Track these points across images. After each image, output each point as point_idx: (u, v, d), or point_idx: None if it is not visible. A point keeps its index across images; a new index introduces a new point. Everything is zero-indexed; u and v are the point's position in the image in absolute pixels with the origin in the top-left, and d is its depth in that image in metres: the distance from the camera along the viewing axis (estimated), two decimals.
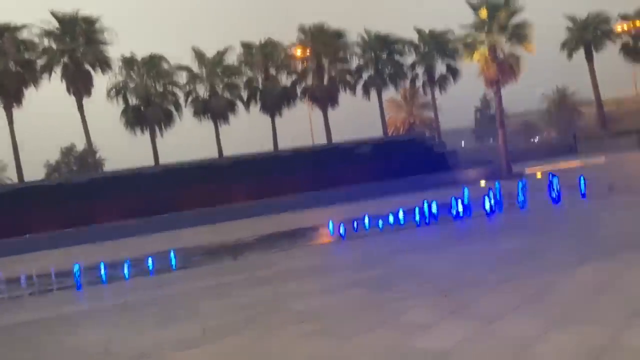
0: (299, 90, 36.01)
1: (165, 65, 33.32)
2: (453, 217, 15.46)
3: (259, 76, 35.22)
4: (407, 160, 29.46)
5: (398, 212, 16.13)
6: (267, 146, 35.21)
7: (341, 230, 14.89)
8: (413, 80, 39.02)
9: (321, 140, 36.25)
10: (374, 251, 11.78)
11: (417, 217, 15.69)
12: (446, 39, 37.84)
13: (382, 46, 36.87)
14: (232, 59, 34.68)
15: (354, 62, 36.88)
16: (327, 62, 35.71)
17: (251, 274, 10.63)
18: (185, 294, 9.71)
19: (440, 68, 38.89)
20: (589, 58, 42.65)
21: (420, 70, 39.10)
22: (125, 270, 12.91)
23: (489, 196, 15.20)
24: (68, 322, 8.78)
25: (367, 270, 9.34)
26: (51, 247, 21.96)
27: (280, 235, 17.28)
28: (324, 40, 34.82)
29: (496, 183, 17.82)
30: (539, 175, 26.26)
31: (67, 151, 50.55)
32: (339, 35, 35.32)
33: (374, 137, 34.17)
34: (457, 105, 52.09)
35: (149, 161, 32.78)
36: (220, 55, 34.25)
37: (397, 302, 6.81)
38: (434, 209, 16.06)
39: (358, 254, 11.78)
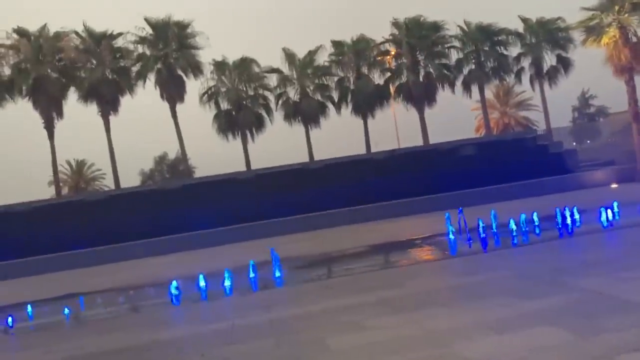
0: (392, 89, 33.86)
1: (255, 68, 32.43)
2: (603, 226, 12.80)
3: (350, 75, 33.48)
4: (519, 162, 26.38)
5: (533, 219, 13.68)
6: (358, 149, 33.44)
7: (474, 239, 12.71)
8: (519, 74, 35.56)
9: (411, 143, 33.87)
10: (532, 267, 9.47)
11: (560, 225, 13.17)
12: (556, 27, 34.33)
13: (483, 37, 33.86)
14: (322, 59, 33.23)
15: (453, 57, 34.09)
16: (423, 57, 33.30)
17: (377, 295, 8.71)
18: (301, 319, 7.95)
19: (549, 60, 35.26)
20: None
21: (526, 62, 35.63)
22: (226, 284, 11.44)
23: None
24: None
25: (539, 295, 7.13)
26: (142, 255, 21.35)
27: (391, 245, 15.27)
28: (419, 34, 32.48)
29: None
30: None
31: (160, 159, 51.59)
32: (435, 27, 32.80)
33: (477, 137, 31.33)
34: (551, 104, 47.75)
35: (241, 167, 31.97)
36: (311, 55, 32.87)
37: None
38: (577, 216, 13.48)
39: (510, 270, 9.42)
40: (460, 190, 24.39)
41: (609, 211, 13.25)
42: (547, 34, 34.41)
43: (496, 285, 8.29)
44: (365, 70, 33.50)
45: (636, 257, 8.84)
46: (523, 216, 13.34)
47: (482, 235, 12.81)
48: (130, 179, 42.76)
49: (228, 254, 17.94)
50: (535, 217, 13.84)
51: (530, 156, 27.19)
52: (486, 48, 34.24)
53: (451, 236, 13.89)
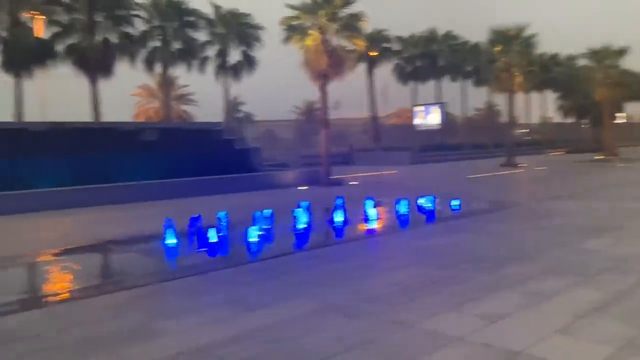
0: (61, 49, 27.39)
1: None
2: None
3: (3, 20, 25.55)
4: (205, 154, 24.25)
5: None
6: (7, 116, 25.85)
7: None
8: (204, 62, 33.67)
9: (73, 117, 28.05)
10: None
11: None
12: (246, 22, 33.87)
13: (173, 14, 30.72)
14: None
15: (137, 27, 29.75)
16: (103, 18, 27.95)
17: None
18: None
19: (235, 54, 34.57)
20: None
21: (212, 51, 34.09)
22: None
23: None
24: None
25: None
26: None
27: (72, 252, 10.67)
28: None
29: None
30: (354, 182, 24.21)
31: None
32: None
33: (160, 122, 27.75)
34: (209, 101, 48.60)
35: None
36: None
37: None
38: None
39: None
40: (142, 181, 20.64)
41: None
42: (237, 28, 33.62)
43: None
44: (26, 17, 26.08)
45: None
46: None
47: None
48: None
49: None
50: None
51: (217, 149, 25.34)
52: (175, 26, 31.18)
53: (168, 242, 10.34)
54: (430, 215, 13.28)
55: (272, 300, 6.43)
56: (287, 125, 58.05)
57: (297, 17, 22.50)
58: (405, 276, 7.33)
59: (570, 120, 59.79)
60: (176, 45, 31.52)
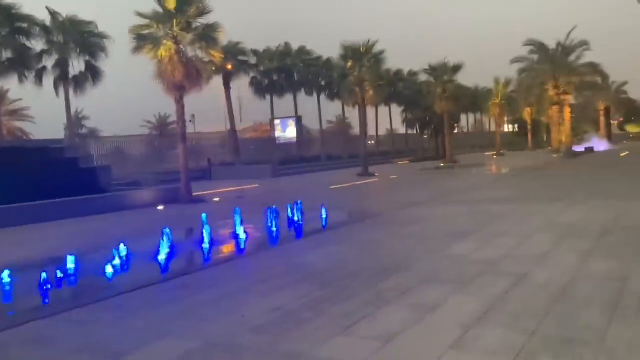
0: None
1: None
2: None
3: None
4: (44, 175, 21.63)
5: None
6: None
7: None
8: (40, 73, 30.35)
9: None
10: None
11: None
12: (89, 30, 31.25)
13: (2, 19, 27.26)
14: None
15: None
16: None
17: None
18: None
19: (78, 65, 31.69)
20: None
21: (50, 62, 30.91)
22: None
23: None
24: None
25: None
26: None
27: None
28: None
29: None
30: (216, 199, 23.30)
31: None
32: None
33: None
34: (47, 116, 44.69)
35: None
36: None
37: None
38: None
39: None
40: None
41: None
42: (78, 36, 30.88)
43: None
44: None
45: None
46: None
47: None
48: None
49: None
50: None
51: (58, 170, 22.73)
52: (4, 33, 27.72)
53: None
54: (299, 229, 13.03)
55: (142, 342, 5.54)
56: (138, 140, 54.84)
57: (148, 26, 21.15)
58: (285, 299, 6.85)
59: (412, 131, 64.54)
60: (7, 54, 28.02)
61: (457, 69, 43.69)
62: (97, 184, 23.46)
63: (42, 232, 15.94)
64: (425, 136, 64.13)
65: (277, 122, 51.93)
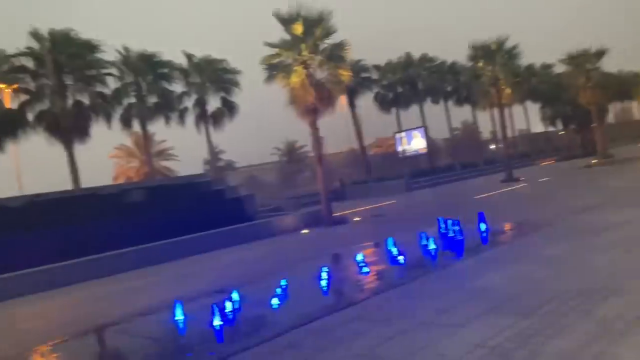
0: (31, 116, 25.93)
1: None
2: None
3: None
4: (196, 208, 22.76)
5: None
6: None
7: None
8: (182, 113, 32.45)
9: (57, 186, 26.32)
10: None
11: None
12: (222, 67, 32.90)
13: (146, 68, 29.63)
14: None
15: (110, 86, 28.49)
16: (72, 81, 26.67)
17: None
18: None
19: (214, 101, 33.46)
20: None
21: (190, 102, 32.94)
22: None
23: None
24: None
25: None
26: None
27: None
28: (68, 51, 25.88)
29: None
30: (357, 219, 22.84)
31: None
32: (90, 47, 26.67)
33: (143, 181, 26.22)
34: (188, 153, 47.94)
35: None
36: None
37: None
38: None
39: None
40: (137, 246, 19.04)
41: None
42: (212, 74, 32.62)
43: None
44: None
45: None
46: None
47: None
48: None
49: None
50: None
51: (208, 202, 23.86)
52: (148, 81, 30.06)
53: None
54: (459, 246, 11.91)
55: None
56: (269, 168, 56.91)
57: (278, 55, 21.49)
58: (483, 332, 5.89)
59: (552, 129, 59.71)
60: (152, 99, 30.35)
61: (600, 54, 39.49)
62: (244, 212, 24.19)
63: (204, 263, 16.41)
64: (560, 133, 59.02)
65: (401, 134, 50.88)
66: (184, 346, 7.78)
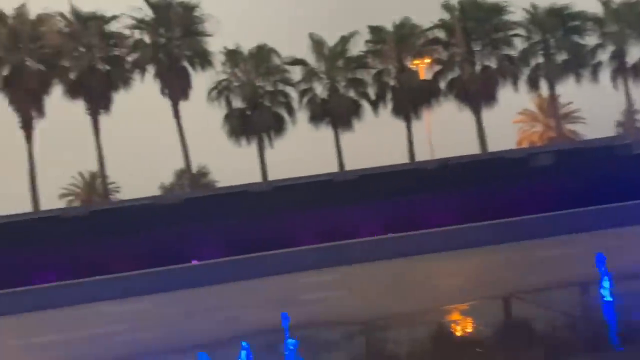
0: (442, 85, 27.77)
1: (275, 59, 26.83)
2: None
3: (391, 68, 27.49)
4: (609, 176, 20.02)
5: None
6: (400, 158, 27.26)
7: None
8: (595, 69, 29.03)
9: (464, 151, 27.31)
10: None
11: None
12: None
13: (555, 23, 27.60)
14: (357, 48, 27.36)
15: (516, 47, 27.82)
16: (480, 46, 27.19)
17: None
18: None
19: (635, 52, 28.72)
20: None
21: (604, 55, 29.14)
22: None
23: None
24: None
25: None
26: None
27: None
28: (476, 17, 26.42)
29: None
30: None
31: (181, 173, 46.67)
32: (497, 9, 26.60)
33: (552, 144, 24.91)
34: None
35: (256, 177, 26.19)
36: (343, 43, 27.05)
37: None
38: None
39: None
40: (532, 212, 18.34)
41: None
42: (635, 20, 27.95)
43: None
44: (409, 62, 27.49)
45: None
46: None
47: None
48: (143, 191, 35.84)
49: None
50: None
51: (627, 168, 20.76)
52: (558, 37, 27.97)
53: None
54: None
55: None
56: None
57: None
58: None
59: None
60: (561, 56, 28.19)
61: None
62: None
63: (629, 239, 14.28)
64: None
65: None
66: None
